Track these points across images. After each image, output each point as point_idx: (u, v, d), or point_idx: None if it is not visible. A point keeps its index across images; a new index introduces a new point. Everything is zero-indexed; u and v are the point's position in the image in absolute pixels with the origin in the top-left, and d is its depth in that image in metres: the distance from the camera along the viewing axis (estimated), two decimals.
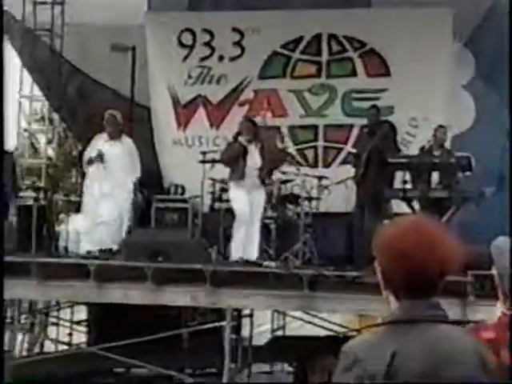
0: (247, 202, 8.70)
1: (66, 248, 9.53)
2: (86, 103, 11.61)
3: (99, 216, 9.04)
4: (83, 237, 9.21)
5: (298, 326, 10.32)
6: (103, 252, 8.90)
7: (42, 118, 13.60)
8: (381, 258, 2.11)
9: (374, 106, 9.94)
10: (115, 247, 8.93)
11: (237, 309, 8.76)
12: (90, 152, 9.26)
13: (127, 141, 9.39)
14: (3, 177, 8.97)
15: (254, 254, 8.59)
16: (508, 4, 9.58)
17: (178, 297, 8.09)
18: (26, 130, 12.18)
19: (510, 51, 9.23)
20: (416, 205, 8.80)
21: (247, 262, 8.50)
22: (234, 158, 8.79)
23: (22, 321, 10.61)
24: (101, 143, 9.19)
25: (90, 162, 9.10)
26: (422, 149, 9.32)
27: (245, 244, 8.57)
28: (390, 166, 9.08)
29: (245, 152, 8.77)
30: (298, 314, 9.40)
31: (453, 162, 8.73)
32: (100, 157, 9.03)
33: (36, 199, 10.45)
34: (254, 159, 8.78)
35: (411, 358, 1.97)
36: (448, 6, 10.77)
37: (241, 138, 8.85)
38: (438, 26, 10.88)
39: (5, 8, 11.72)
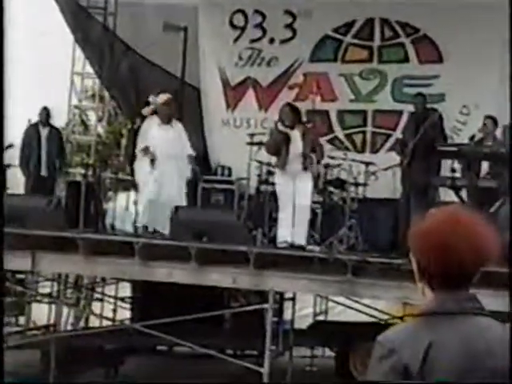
0: (291, 188, 8.67)
1: (112, 225, 9.63)
2: (137, 82, 11.70)
3: (150, 198, 9.01)
4: (134, 216, 9.20)
5: (340, 311, 10.31)
6: (151, 232, 8.92)
7: (93, 96, 13.73)
8: (417, 249, 2.09)
9: (420, 94, 9.86)
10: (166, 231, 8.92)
11: (279, 292, 8.79)
12: (144, 136, 9.15)
13: (178, 126, 9.32)
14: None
15: (302, 240, 8.57)
16: None
17: (221, 278, 8.13)
18: (76, 107, 12.31)
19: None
20: (464, 194, 8.70)
21: (291, 246, 8.50)
22: (277, 148, 8.78)
23: (68, 295, 10.80)
24: (155, 128, 9.12)
25: (145, 151, 9.04)
26: (472, 138, 9.21)
27: (293, 228, 8.54)
28: (438, 154, 9.00)
29: (287, 140, 8.73)
30: (341, 299, 9.39)
31: (503, 152, 8.60)
32: (152, 159, 8.96)
33: (85, 176, 10.60)
34: (297, 145, 8.73)
35: (447, 350, 1.96)
36: None
37: (281, 126, 8.81)
38: (492, 14, 10.69)
39: None
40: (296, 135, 8.74)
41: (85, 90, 13.12)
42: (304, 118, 9.23)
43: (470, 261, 2.01)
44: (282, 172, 8.81)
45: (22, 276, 10.70)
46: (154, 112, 9.17)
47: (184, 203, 9.15)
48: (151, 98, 9.26)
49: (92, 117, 13.57)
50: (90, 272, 9.23)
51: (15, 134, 10.36)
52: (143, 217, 9.00)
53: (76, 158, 12.75)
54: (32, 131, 10.74)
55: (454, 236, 2.01)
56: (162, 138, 9.05)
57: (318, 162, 8.92)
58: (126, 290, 11.34)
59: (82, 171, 11.07)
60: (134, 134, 9.64)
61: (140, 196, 9.13)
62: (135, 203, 9.22)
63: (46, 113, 10.78)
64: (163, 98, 9.21)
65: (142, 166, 9.13)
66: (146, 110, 9.30)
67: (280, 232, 8.67)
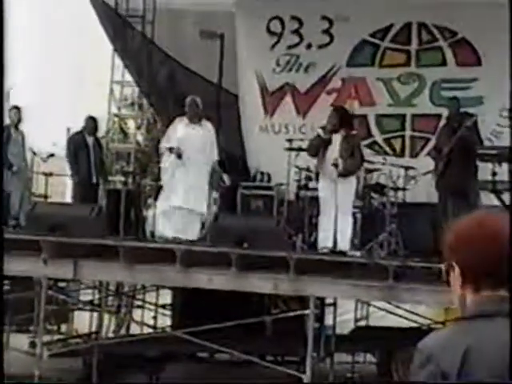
0: (331, 193, 8.64)
1: (152, 232, 9.69)
2: (176, 89, 11.76)
3: (176, 201, 9.05)
4: (165, 222, 9.26)
5: (381, 316, 10.25)
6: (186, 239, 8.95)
7: (132, 104, 13.84)
8: (457, 252, 2.07)
9: (454, 98, 9.82)
10: (193, 235, 8.94)
11: (320, 297, 8.76)
12: (171, 135, 9.24)
13: (207, 125, 9.32)
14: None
15: (346, 245, 8.53)
16: None
17: (261, 284, 8.13)
18: (116, 116, 12.41)
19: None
20: (507, 198, 8.60)
21: (332, 251, 8.47)
22: (315, 150, 8.77)
23: (109, 303, 10.88)
24: (181, 126, 9.20)
25: (171, 150, 9.10)
26: None
27: (336, 234, 8.51)
28: (478, 157, 8.92)
29: (327, 143, 8.70)
30: (382, 304, 9.33)
31: None
32: (179, 156, 9.01)
33: (125, 183, 10.67)
34: (335, 150, 8.69)
35: (484, 355, 1.93)
36: None
37: (320, 131, 8.79)
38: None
39: None
40: (336, 139, 8.73)
41: (124, 98, 13.23)
42: (354, 127, 9.17)
43: (503, 261, 1.98)
44: (323, 177, 8.79)
45: (63, 284, 10.79)
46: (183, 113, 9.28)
47: (204, 208, 9.12)
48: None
49: (131, 125, 13.68)
50: (131, 279, 9.27)
51: (56, 140, 10.47)
52: (167, 225, 9.04)
53: (116, 166, 12.85)
54: (79, 140, 10.79)
55: (492, 235, 2.00)
56: (189, 135, 9.10)
57: (351, 172, 8.83)
58: (166, 297, 11.39)
59: (122, 179, 11.15)
60: None
61: (164, 202, 9.17)
62: (159, 210, 9.27)
63: (93, 122, 10.88)
64: (188, 99, 9.27)
65: (166, 167, 9.20)
66: None
67: (321, 237, 8.65)
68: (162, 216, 9.18)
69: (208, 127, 9.30)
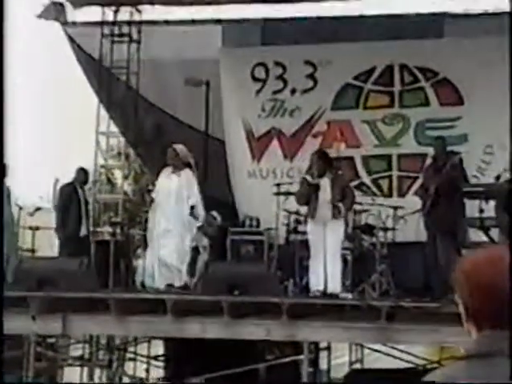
0: (322, 236, 8.65)
1: (142, 283, 9.62)
2: (162, 138, 11.79)
3: (160, 252, 8.98)
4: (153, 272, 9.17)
5: (376, 358, 10.18)
6: (176, 287, 8.87)
7: (119, 154, 13.87)
8: (462, 289, 2.07)
9: (439, 138, 9.91)
10: (179, 283, 8.87)
11: (314, 342, 8.70)
12: (156, 186, 9.25)
13: (184, 172, 9.16)
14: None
15: (336, 287, 8.51)
16: None
17: (254, 330, 8.06)
18: (102, 166, 12.42)
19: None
20: (494, 234, 8.63)
21: (324, 295, 8.44)
22: (307, 198, 8.80)
23: (100, 357, 10.73)
24: (162, 176, 9.18)
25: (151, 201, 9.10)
26: (498, 177, 9.15)
27: (327, 277, 8.49)
28: (464, 195, 8.97)
29: (316, 188, 8.73)
30: (377, 346, 9.28)
31: None
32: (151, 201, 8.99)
33: (113, 234, 10.62)
34: (326, 193, 8.72)
35: None
36: None
37: (308, 176, 8.82)
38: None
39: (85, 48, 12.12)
40: (326, 183, 8.74)
41: (110, 149, 13.25)
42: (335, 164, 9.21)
43: (502, 299, 1.96)
44: (312, 220, 8.79)
45: (53, 340, 10.66)
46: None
47: (188, 254, 9.06)
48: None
49: (118, 175, 13.70)
50: (122, 332, 9.16)
51: (43, 194, 10.41)
52: (155, 276, 8.97)
53: (103, 217, 12.81)
54: (70, 191, 10.74)
55: (499, 274, 1.98)
56: (163, 184, 9.07)
57: (348, 210, 8.89)
58: (158, 348, 11.27)
59: (110, 230, 11.10)
60: None
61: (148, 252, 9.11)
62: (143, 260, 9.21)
63: (84, 174, 10.88)
64: (169, 149, 9.26)
65: (149, 219, 9.18)
66: None
67: (312, 280, 8.62)
68: (149, 267, 9.11)
69: (185, 175, 9.16)
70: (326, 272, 8.45)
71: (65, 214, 10.57)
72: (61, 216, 10.62)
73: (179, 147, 9.21)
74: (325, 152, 9.31)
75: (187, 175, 9.11)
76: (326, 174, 8.75)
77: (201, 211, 9.07)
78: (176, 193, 8.96)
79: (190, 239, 9.04)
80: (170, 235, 8.87)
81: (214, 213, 10.11)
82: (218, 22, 12.02)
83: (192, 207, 8.92)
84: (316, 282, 8.52)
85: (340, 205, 8.63)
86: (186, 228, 8.99)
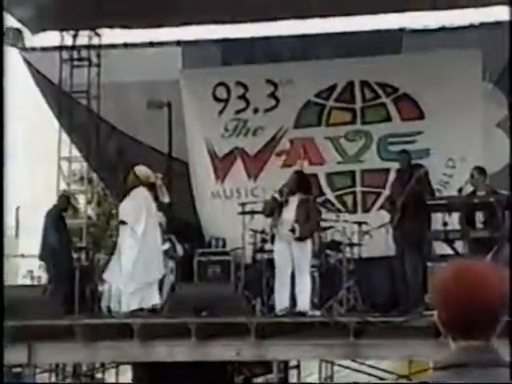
0: (288, 254, 8.64)
1: (109, 308, 9.51)
2: (125, 161, 11.72)
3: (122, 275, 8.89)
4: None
5: (347, 374, 10.17)
6: (144, 311, 8.77)
7: (81, 179, 13.78)
8: (434, 302, 2.10)
9: (404, 151, 9.99)
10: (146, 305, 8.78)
11: (283, 360, 8.66)
12: None
13: (139, 193, 8.97)
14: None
15: (306, 305, 8.49)
16: None
17: (223, 351, 8.00)
18: (65, 191, 12.31)
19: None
20: (459, 246, 8.69)
21: (292, 313, 8.42)
22: (270, 211, 8.81)
23: None
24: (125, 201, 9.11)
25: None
26: (460, 190, 9.24)
27: (295, 295, 8.49)
28: (429, 208, 9.03)
29: (280, 206, 8.73)
30: (346, 362, 9.26)
31: (492, 201, 8.63)
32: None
33: (78, 260, 10.51)
34: (291, 212, 8.73)
35: None
36: (476, 47, 10.84)
37: (276, 195, 8.82)
38: (467, 67, 10.94)
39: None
40: (293, 202, 8.76)
41: (72, 173, 13.17)
42: (312, 191, 9.22)
43: (481, 311, 2.00)
44: (279, 238, 8.78)
45: (19, 370, 10.48)
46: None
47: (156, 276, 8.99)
48: None
49: (81, 200, 13.59)
50: (89, 359, 9.05)
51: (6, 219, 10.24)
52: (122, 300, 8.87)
53: None
54: (56, 216, 10.57)
55: (463, 287, 2.01)
56: (122, 208, 9.03)
57: (310, 232, 8.85)
58: (127, 374, 11.14)
59: (75, 255, 10.99)
60: None
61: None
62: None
63: (66, 200, 10.79)
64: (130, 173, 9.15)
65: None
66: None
67: (277, 299, 8.59)
68: (116, 291, 8.99)
69: (139, 195, 8.98)
70: (293, 291, 8.44)
71: (52, 240, 10.37)
72: (48, 242, 10.41)
73: (139, 169, 9.11)
74: (303, 173, 9.33)
75: (141, 196, 8.96)
76: (297, 194, 8.75)
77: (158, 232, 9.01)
78: (131, 214, 8.88)
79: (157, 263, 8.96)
80: (120, 257, 8.79)
81: (178, 246, 10.02)
82: (178, 43, 12.03)
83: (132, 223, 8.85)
84: (281, 301, 8.50)
85: (296, 227, 8.58)
86: (152, 251, 8.91)
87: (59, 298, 8.95)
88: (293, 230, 8.50)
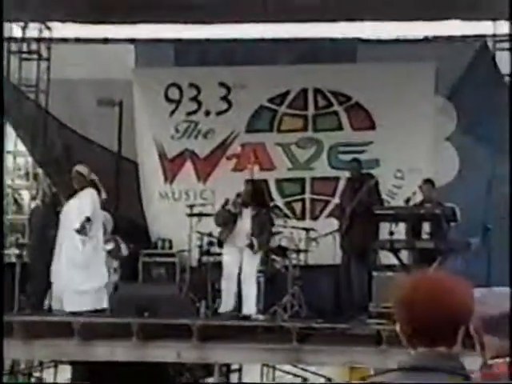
0: (237, 259, 8.65)
1: (50, 306, 9.34)
2: (73, 158, 11.54)
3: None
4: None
5: (288, 379, 10.16)
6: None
7: (26, 174, 13.54)
8: (396, 312, 2.13)
9: (355, 160, 10.04)
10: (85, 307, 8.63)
11: (225, 364, 8.61)
12: None
13: (85, 192, 8.95)
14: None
15: (251, 309, 8.47)
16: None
17: (164, 353, 7.94)
18: (9, 187, 12.09)
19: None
20: (403, 256, 8.76)
21: (236, 316, 8.38)
22: (222, 222, 8.79)
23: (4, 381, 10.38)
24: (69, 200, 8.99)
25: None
26: (408, 200, 9.31)
27: (241, 298, 8.48)
28: (376, 217, 9.09)
29: (235, 218, 8.74)
30: (288, 367, 9.25)
31: (438, 213, 8.73)
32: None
33: (19, 256, 10.30)
34: (245, 223, 8.76)
35: None
36: (430, 60, 10.96)
37: (231, 207, 8.81)
38: (420, 80, 11.05)
39: None
40: (247, 214, 8.76)
41: (17, 168, 12.94)
42: (268, 200, 9.23)
43: (444, 319, 2.03)
44: (229, 244, 8.79)
45: None
46: None
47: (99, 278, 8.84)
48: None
49: (25, 196, 13.36)
50: (28, 356, 8.91)
51: None
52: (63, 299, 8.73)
53: (11, 238, 12.46)
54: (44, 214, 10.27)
55: (418, 294, 2.05)
56: (66, 209, 8.93)
57: (262, 245, 8.86)
58: (66, 373, 10.97)
59: (17, 252, 10.78)
60: None
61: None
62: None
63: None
64: (73, 172, 9.06)
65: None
66: None
67: (224, 301, 8.55)
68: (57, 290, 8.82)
69: (89, 195, 8.94)
70: (240, 294, 8.43)
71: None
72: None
73: (82, 168, 9.05)
74: (257, 182, 9.32)
75: (87, 195, 8.89)
76: (251, 206, 8.76)
77: (108, 232, 8.91)
78: (75, 215, 8.77)
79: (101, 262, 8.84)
80: (68, 260, 8.67)
81: (122, 246, 9.90)
82: (131, 41, 11.90)
83: (82, 225, 8.71)
84: (226, 303, 8.47)
85: (254, 240, 8.63)
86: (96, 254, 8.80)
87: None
88: (251, 245, 8.54)
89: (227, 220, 8.75)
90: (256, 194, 8.92)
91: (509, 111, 9.56)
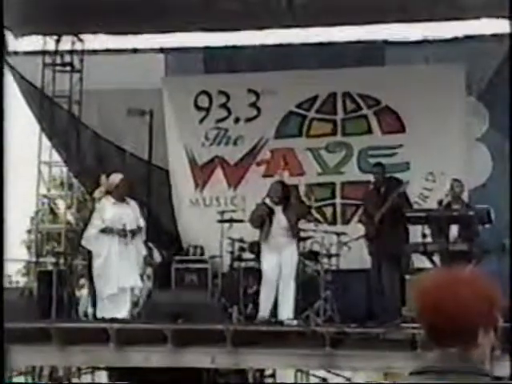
0: (275, 263, 8.73)
1: (85, 313, 9.47)
2: (105, 167, 11.69)
3: (113, 282, 8.82)
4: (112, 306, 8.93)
5: None
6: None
7: (61, 184, 13.71)
8: (416, 312, 2.12)
9: (379, 164, 10.02)
10: (126, 314, 8.72)
11: (259, 369, 8.65)
12: (101, 216, 8.97)
13: (132, 203, 9.12)
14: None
15: (289, 314, 8.53)
16: None
17: (198, 358, 7.99)
18: (45, 196, 12.26)
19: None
20: (437, 259, 8.72)
21: (269, 322, 8.42)
22: (260, 219, 8.85)
23: None
24: (110, 207, 9.02)
25: (107, 231, 8.92)
26: (440, 202, 9.28)
27: (278, 303, 8.54)
28: (407, 220, 9.06)
29: (271, 213, 8.82)
30: (322, 373, 9.26)
31: (472, 215, 8.68)
32: (124, 235, 8.84)
33: (56, 264, 10.46)
34: (280, 219, 8.83)
35: None
36: (460, 61, 10.89)
37: (267, 200, 8.90)
38: (450, 81, 10.98)
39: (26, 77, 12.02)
40: (279, 210, 8.83)
41: (52, 178, 13.11)
42: (292, 198, 9.30)
43: (441, 321, 2.02)
44: (266, 246, 8.84)
45: None
46: (108, 192, 9.08)
47: (139, 283, 8.94)
48: (103, 179, 9.22)
49: (61, 205, 13.53)
50: (65, 363, 9.02)
51: None
52: (105, 306, 8.80)
53: (46, 246, 12.64)
54: None
55: (440, 294, 2.03)
56: (119, 216, 8.95)
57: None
58: (103, 378, 11.08)
59: (53, 260, 10.94)
60: None
61: (101, 283, 8.91)
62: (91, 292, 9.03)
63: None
64: (115, 179, 9.12)
65: (98, 249, 8.94)
66: (97, 192, 9.24)
67: (263, 308, 8.63)
68: (107, 301, 8.86)
69: (133, 205, 9.15)
70: (277, 298, 8.51)
71: None
72: None
73: (121, 177, 9.14)
74: (284, 183, 9.41)
75: (135, 206, 9.07)
76: (282, 203, 8.84)
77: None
78: (132, 221, 8.89)
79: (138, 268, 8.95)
80: (129, 265, 8.77)
81: (155, 252, 10.00)
82: (161, 50, 12.03)
83: (133, 232, 8.85)
84: (264, 309, 8.54)
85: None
86: (141, 256, 8.93)
87: (36, 302, 8.89)
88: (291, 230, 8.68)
89: (263, 216, 8.81)
90: (286, 193, 9.00)
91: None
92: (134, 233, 8.84)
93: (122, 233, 8.75)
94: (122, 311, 8.73)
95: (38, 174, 11.73)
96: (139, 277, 8.92)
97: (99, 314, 8.81)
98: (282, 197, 8.91)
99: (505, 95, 10.56)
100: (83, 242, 9.17)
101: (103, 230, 8.79)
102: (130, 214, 8.94)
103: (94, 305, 8.96)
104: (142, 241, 9.04)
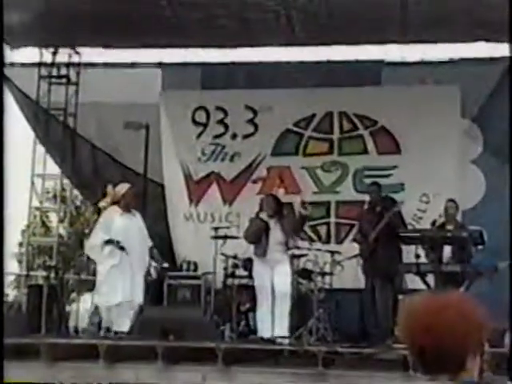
0: (269, 278, 8.67)
1: (76, 328, 9.38)
2: (101, 179, 11.66)
3: (118, 296, 8.75)
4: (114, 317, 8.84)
5: None
6: (116, 333, 8.64)
7: (54, 197, 13.66)
8: (401, 334, 2.09)
9: (374, 184, 10.01)
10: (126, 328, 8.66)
11: None
12: (107, 227, 8.88)
13: (137, 215, 9.10)
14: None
15: (285, 331, 8.46)
16: None
17: (189, 376, 7.90)
18: (37, 209, 12.20)
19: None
20: (430, 279, 8.69)
21: (261, 340, 8.36)
22: (256, 234, 8.80)
23: None
24: (117, 218, 8.93)
25: (110, 243, 8.85)
26: (434, 223, 9.28)
27: (275, 320, 8.48)
28: (401, 240, 9.05)
29: (267, 227, 8.77)
30: None
31: (465, 236, 8.67)
32: (122, 248, 8.75)
33: (47, 278, 10.39)
34: (276, 234, 8.78)
35: None
36: (456, 83, 10.93)
37: (262, 214, 8.87)
38: (446, 103, 11.02)
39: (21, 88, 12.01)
40: (274, 224, 8.80)
41: (46, 191, 13.05)
42: (284, 211, 9.26)
43: (445, 343, 1.99)
44: (259, 261, 8.78)
45: None
46: (114, 202, 9.01)
47: (141, 298, 8.87)
48: (109, 189, 9.15)
49: (53, 218, 13.48)
50: (53, 379, 8.89)
51: None
52: (105, 318, 8.73)
53: (38, 260, 12.58)
54: None
55: (429, 320, 2.01)
56: (126, 226, 8.87)
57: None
58: None
59: (44, 273, 10.86)
60: None
61: (103, 295, 8.83)
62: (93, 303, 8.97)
63: None
64: (123, 188, 9.08)
65: (102, 260, 8.85)
66: (103, 202, 9.17)
67: (261, 326, 8.56)
68: (111, 313, 8.78)
69: (139, 217, 9.10)
70: (273, 315, 8.44)
71: None
72: None
73: (129, 186, 9.10)
74: (276, 196, 9.37)
75: (139, 217, 9.03)
76: (276, 215, 8.80)
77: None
78: (138, 233, 8.83)
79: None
80: (134, 277, 8.71)
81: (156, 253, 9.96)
82: (158, 65, 12.03)
83: (151, 248, 8.86)
84: (266, 329, 8.48)
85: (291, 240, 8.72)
86: (140, 267, 8.85)
87: (25, 316, 8.80)
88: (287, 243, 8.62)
89: (259, 231, 8.76)
90: (279, 207, 8.97)
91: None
92: (138, 245, 8.78)
93: (127, 244, 8.68)
94: (125, 324, 8.65)
95: (30, 186, 11.68)
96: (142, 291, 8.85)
97: (104, 325, 8.73)
98: (276, 209, 8.86)
99: (499, 118, 10.61)
100: (86, 251, 9.10)
101: (108, 241, 8.69)
102: (135, 225, 8.88)
103: (97, 315, 8.90)
104: (147, 253, 8.97)
